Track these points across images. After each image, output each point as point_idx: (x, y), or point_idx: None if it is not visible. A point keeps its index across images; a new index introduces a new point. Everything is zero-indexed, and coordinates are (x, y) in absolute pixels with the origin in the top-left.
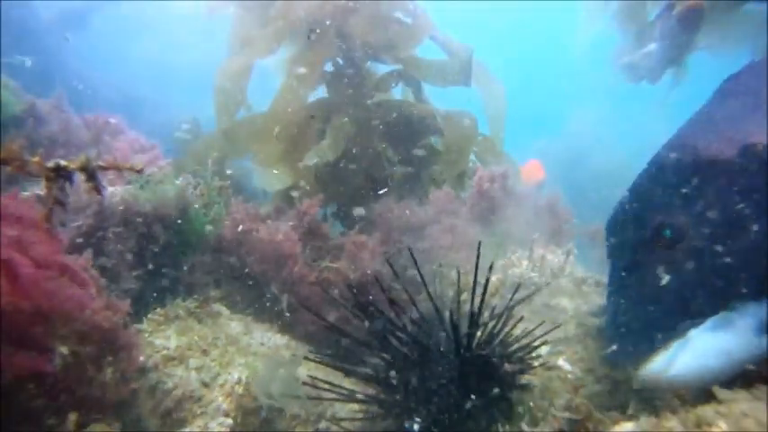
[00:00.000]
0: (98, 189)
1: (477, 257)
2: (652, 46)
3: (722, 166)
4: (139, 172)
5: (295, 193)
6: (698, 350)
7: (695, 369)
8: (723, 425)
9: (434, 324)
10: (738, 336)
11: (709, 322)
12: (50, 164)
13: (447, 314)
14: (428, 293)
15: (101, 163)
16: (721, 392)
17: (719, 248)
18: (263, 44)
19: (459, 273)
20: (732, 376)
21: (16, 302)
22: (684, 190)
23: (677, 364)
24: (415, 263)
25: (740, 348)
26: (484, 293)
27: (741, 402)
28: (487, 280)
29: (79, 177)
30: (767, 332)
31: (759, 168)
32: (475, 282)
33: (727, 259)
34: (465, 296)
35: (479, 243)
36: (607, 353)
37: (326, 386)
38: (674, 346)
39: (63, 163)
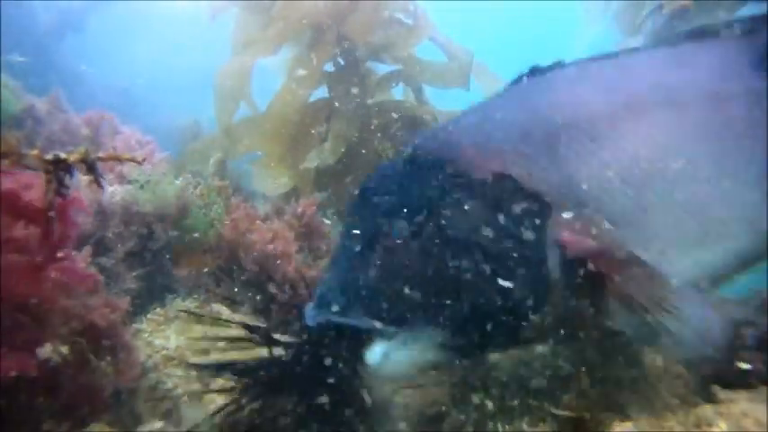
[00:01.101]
0: (98, 182)
1: None
2: (630, 43)
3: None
4: (140, 164)
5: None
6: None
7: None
8: (723, 425)
9: None
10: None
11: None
12: (49, 156)
13: None
14: None
15: (100, 155)
16: (721, 392)
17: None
18: (265, 45)
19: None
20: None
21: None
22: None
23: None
24: None
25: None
26: None
27: (741, 402)
28: None
29: (79, 175)
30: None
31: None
32: None
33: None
34: None
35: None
36: (311, 306)
37: None
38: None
39: (62, 155)
